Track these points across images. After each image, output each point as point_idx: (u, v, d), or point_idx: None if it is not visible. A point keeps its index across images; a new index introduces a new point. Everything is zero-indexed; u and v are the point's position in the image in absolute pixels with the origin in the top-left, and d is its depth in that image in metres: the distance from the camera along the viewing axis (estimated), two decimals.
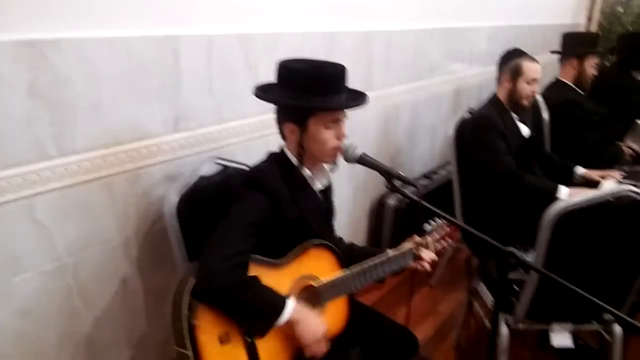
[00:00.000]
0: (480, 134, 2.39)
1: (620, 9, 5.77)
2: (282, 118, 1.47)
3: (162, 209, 1.60)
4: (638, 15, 5.71)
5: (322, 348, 1.40)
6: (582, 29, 5.41)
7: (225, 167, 1.77)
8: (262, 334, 1.34)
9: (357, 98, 1.47)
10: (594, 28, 5.75)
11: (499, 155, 2.32)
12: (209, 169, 1.71)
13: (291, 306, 1.34)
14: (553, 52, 3.18)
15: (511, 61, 2.44)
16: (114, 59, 1.49)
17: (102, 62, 1.46)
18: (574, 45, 3.10)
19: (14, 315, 1.42)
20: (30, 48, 1.30)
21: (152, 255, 1.74)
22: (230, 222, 1.35)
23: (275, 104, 1.48)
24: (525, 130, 2.51)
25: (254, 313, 1.32)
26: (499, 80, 2.49)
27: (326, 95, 1.39)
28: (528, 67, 2.39)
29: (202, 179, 1.68)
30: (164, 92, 1.65)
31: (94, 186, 1.52)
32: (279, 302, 1.33)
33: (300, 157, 1.46)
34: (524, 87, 2.40)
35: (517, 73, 2.40)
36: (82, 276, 1.56)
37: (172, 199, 1.58)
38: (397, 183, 1.42)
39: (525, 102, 2.43)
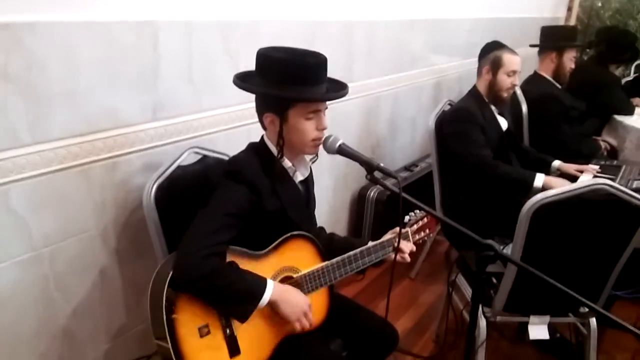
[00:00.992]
0: (458, 125, 2.40)
1: (599, 4, 5.85)
2: (262, 108, 1.45)
3: (141, 198, 1.58)
4: (616, 10, 5.80)
5: (309, 320, 1.41)
6: (561, 23, 5.47)
7: (205, 156, 1.75)
8: (244, 318, 1.33)
9: (338, 89, 1.45)
10: (573, 22, 5.82)
11: (474, 147, 2.34)
12: (188, 158, 1.69)
13: (271, 287, 1.34)
14: (532, 45, 3.20)
15: (491, 53, 2.45)
16: (91, 44, 1.45)
17: (79, 47, 1.43)
18: (553, 38, 3.13)
19: None
20: (3, 31, 1.26)
21: (130, 245, 1.71)
22: (208, 212, 1.34)
23: (254, 93, 1.46)
24: (504, 124, 2.52)
25: (235, 298, 1.31)
26: (479, 72, 2.50)
27: (307, 86, 1.37)
28: (508, 58, 2.40)
29: (181, 168, 1.66)
30: (143, 79, 1.62)
31: (70, 174, 1.49)
32: (259, 284, 1.33)
33: (280, 147, 1.45)
34: (504, 79, 2.41)
35: (497, 65, 2.41)
36: (59, 266, 1.53)
37: (151, 188, 1.56)
38: (378, 174, 1.42)
39: (505, 95, 2.44)
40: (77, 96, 1.46)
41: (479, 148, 2.33)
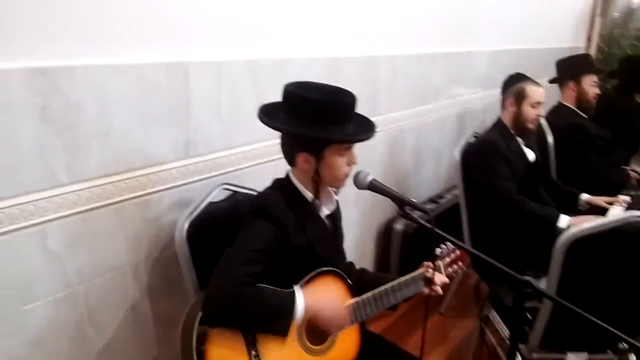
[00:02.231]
0: (484, 158, 2.39)
1: (618, 32, 5.84)
2: (295, 147, 1.43)
3: (173, 234, 1.60)
4: (636, 38, 5.78)
5: (345, 323, 1.42)
6: (582, 52, 5.47)
7: (234, 192, 1.77)
8: (284, 334, 1.32)
9: (368, 126, 1.47)
10: (593, 51, 5.82)
11: (500, 180, 2.32)
12: (218, 194, 1.72)
13: (300, 295, 1.34)
14: (551, 81, 3.21)
15: (514, 85, 2.45)
16: (125, 85, 1.49)
17: (113, 88, 1.47)
18: (567, 68, 3.13)
19: (24, 344, 1.40)
20: (42, 75, 1.31)
21: (162, 281, 1.72)
22: (235, 249, 1.34)
23: (293, 135, 1.43)
24: (531, 155, 2.51)
25: (268, 318, 1.31)
26: (503, 104, 2.50)
27: (340, 124, 1.39)
28: (532, 90, 2.41)
29: (212, 204, 1.68)
30: (174, 117, 1.66)
31: (104, 212, 1.52)
32: (287, 297, 1.33)
33: (316, 184, 1.46)
34: (529, 111, 2.41)
35: (521, 97, 2.41)
36: (92, 303, 1.54)
37: (183, 224, 1.58)
38: (409, 209, 1.42)
39: (531, 126, 2.43)
40: (112, 136, 1.49)
41: (503, 181, 2.32)
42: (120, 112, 1.50)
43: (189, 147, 1.72)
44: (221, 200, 1.72)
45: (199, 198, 1.67)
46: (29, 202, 1.33)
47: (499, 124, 2.50)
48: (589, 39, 5.83)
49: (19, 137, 1.29)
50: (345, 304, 1.44)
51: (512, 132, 2.46)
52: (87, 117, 1.42)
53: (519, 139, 2.47)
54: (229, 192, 1.75)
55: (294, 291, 1.35)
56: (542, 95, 2.43)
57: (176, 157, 1.69)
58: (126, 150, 1.54)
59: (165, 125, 1.63)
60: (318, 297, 1.38)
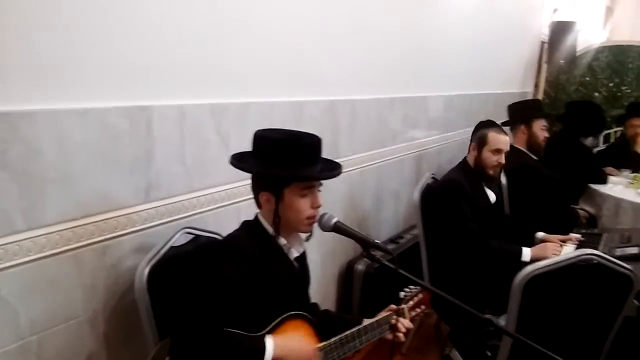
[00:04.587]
0: (448, 198, 2.45)
1: (563, 78, 6.18)
2: (258, 187, 1.48)
3: (132, 281, 1.56)
4: (580, 84, 6.12)
5: None
6: (530, 97, 5.75)
7: (197, 236, 1.75)
8: None
9: (332, 168, 1.50)
10: (540, 96, 6.13)
11: (463, 220, 2.38)
12: (180, 238, 1.69)
13: (270, 345, 1.31)
14: (503, 124, 3.35)
15: (480, 131, 2.54)
16: (87, 130, 1.48)
17: (75, 134, 1.45)
18: (519, 112, 3.30)
19: None
20: (1, 120, 1.28)
21: (120, 331, 1.67)
22: (204, 293, 1.32)
23: (250, 173, 1.49)
24: (492, 197, 2.58)
25: None
26: (469, 147, 2.58)
27: (303, 165, 1.41)
28: (493, 137, 2.48)
29: (173, 248, 1.66)
30: (136, 162, 1.64)
31: (61, 259, 1.47)
32: (258, 342, 1.31)
33: (276, 225, 1.46)
34: (489, 157, 2.48)
35: (482, 142, 2.49)
36: (46, 355, 1.47)
37: (143, 270, 1.54)
38: (372, 250, 1.44)
39: (491, 172, 2.50)
40: (71, 181, 1.46)
41: (467, 221, 2.37)
42: (80, 157, 1.47)
43: (150, 191, 1.70)
44: (183, 244, 1.70)
45: (160, 243, 1.64)
46: None
47: (463, 165, 2.58)
48: (536, 84, 6.15)
49: None
50: (313, 348, 1.42)
51: (473, 174, 2.53)
52: (46, 162, 1.39)
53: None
54: (191, 236, 1.73)
55: (264, 335, 1.34)
56: (504, 144, 2.49)
57: (136, 201, 1.67)
58: (85, 196, 1.51)
59: (127, 169, 1.62)
60: (287, 342, 1.37)
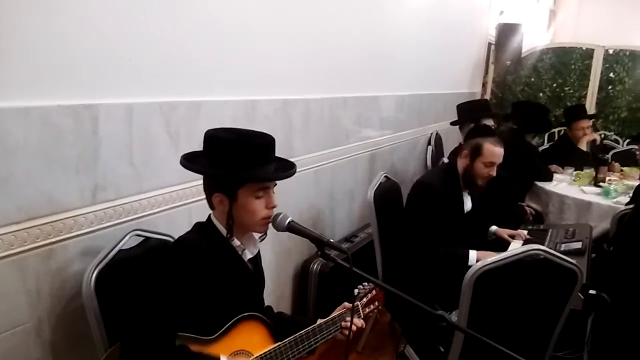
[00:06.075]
0: (418, 201, 2.45)
1: (510, 78, 6.39)
2: (211, 188, 1.45)
3: (79, 286, 1.50)
4: (526, 84, 6.35)
5: None
6: (478, 97, 5.91)
7: (147, 238, 1.70)
8: None
9: (287, 168, 1.49)
10: (487, 96, 6.32)
11: (423, 227, 2.38)
12: (129, 241, 1.64)
13: None
14: (452, 123, 3.43)
15: (475, 139, 2.46)
16: (29, 129, 1.41)
17: (16, 133, 1.38)
18: (468, 112, 3.39)
19: None
20: None
21: (68, 337, 1.60)
22: (155, 298, 1.29)
23: (203, 175, 1.46)
24: (468, 204, 2.57)
25: None
26: (461, 151, 2.52)
27: (255, 166, 1.40)
28: (488, 149, 2.40)
29: (122, 252, 1.61)
30: (82, 162, 1.58)
31: (3, 264, 1.40)
32: None
33: (230, 227, 1.44)
34: (481, 168, 2.41)
35: (476, 152, 2.41)
36: None
37: (90, 275, 1.49)
38: (327, 249, 1.44)
39: (480, 183, 2.44)
40: (12, 183, 1.39)
41: (426, 229, 2.37)
42: (22, 157, 1.41)
43: (97, 192, 1.65)
44: (132, 247, 1.65)
45: (108, 246, 1.59)
46: None
47: (448, 168, 2.54)
48: (484, 85, 6.33)
49: None
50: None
51: (460, 180, 2.48)
52: None
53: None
54: (141, 239, 1.69)
55: (218, 357, 1.32)
56: (499, 156, 2.42)
57: (83, 203, 1.61)
58: (29, 198, 1.44)
59: (72, 170, 1.56)
60: None
